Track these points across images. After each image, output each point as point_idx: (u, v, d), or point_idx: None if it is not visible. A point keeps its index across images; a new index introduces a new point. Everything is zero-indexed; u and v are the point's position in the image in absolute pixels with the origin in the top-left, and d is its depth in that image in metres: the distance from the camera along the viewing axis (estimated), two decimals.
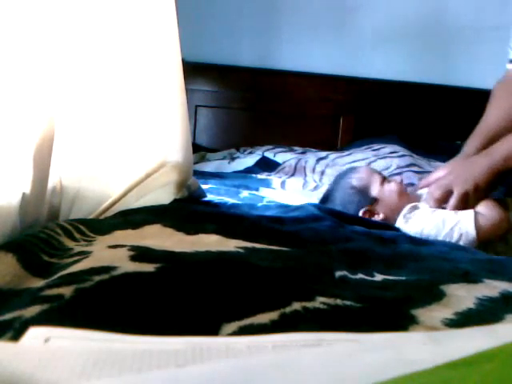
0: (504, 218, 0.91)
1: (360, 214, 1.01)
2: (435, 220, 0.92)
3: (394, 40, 2.19)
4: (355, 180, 1.06)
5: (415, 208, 0.97)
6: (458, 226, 0.89)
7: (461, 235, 0.89)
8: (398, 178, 1.12)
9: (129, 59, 0.84)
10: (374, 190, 1.03)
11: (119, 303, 0.43)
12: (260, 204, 1.10)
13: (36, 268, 0.52)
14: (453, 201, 0.94)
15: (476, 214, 0.91)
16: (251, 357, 0.32)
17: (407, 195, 1.05)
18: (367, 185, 1.04)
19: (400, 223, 0.96)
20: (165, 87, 0.91)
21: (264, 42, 2.21)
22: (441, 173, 1.06)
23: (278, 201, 1.19)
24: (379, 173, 1.11)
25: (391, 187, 1.04)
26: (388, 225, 0.95)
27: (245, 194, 1.24)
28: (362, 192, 1.03)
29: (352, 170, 1.13)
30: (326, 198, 1.08)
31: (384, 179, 1.07)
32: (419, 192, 1.06)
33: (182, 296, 0.45)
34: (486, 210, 0.92)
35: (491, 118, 1.11)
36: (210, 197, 1.13)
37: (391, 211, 1.01)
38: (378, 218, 1.00)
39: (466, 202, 0.94)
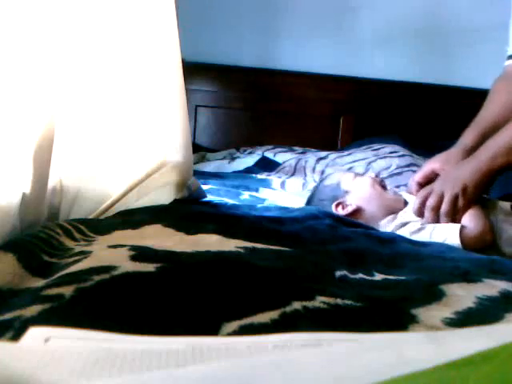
0: (487, 230, 0.92)
1: (333, 207, 1.03)
2: (423, 238, 0.92)
3: (394, 40, 2.19)
4: (328, 180, 1.13)
5: (395, 219, 0.99)
6: (445, 242, 0.90)
7: None
8: (373, 174, 1.17)
9: (129, 59, 0.84)
10: (345, 184, 1.08)
11: (119, 303, 0.43)
12: (260, 205, 1.10)
13: (36, 268, 0.52)
14: (444, 206, 0.95)
15: (461, 227, 0.92)
16: (251, 357, 0.32)
17: (382, 189, 1.08)
18: (338, 181, 1.10)
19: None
20: (165, 87, 0.91)
21: (264, 42, 2.21)
22: (433, 165, 1.06)
23: (278, 203, 1.19)
24: (355, 172, 1.13)
25: (363, 180, 1.08)
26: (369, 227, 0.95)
27: (245, 195, 1.24)
28: (335, 188, 1.08)
29: (328, 175, 1.20)
30: (308, 203, 1.13)
31: (356, 175, 1.12)
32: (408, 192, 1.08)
33: (182, 296, 0.45)
34: (470, 221, 0.93)
35: (489, 111, 1.12)
36: (209, 198, 1.13)
37: (364, 202, 1.04)
38: (351, 208, 1.02)
39: (456, 205, 0.94)
